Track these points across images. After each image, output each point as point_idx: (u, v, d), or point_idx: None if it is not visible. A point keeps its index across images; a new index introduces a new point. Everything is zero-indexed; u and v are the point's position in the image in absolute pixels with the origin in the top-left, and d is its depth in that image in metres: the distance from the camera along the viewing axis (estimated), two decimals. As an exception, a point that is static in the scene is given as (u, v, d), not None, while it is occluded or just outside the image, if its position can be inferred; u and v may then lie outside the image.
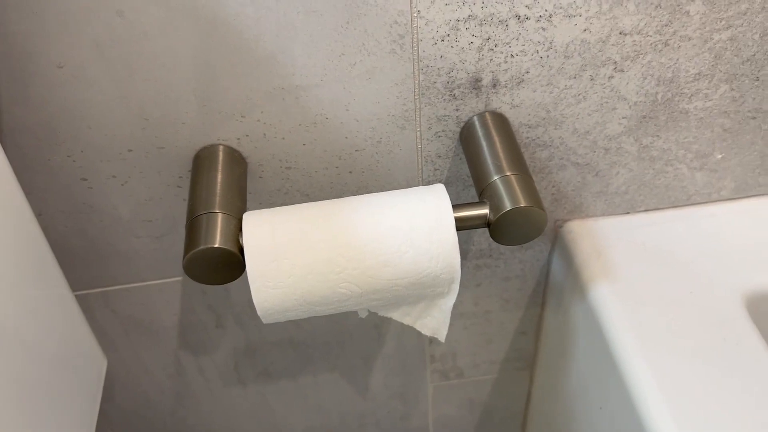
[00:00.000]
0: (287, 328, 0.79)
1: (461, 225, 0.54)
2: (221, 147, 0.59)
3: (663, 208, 0.72)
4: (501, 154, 0.57)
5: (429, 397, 0.94)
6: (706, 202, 0.72)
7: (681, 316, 0.63)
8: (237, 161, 0.60)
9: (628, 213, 0.72)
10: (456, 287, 0.55)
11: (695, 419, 0.55)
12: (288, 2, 0.51)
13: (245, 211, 0.56)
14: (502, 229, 0.54)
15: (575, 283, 0.69)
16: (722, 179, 0.70)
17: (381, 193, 0.55)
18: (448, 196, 0.54)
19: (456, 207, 0.54)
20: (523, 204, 0.53)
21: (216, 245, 0.51)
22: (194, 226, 0.53)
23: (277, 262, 0.51)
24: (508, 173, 0.55)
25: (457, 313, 0.81)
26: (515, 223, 0.54)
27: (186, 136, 0.58)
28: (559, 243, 0.73)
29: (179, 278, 0.71)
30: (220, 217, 0.53)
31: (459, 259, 0.53)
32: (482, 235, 0.73)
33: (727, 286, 0.66)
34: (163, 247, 0.68)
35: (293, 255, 0.51)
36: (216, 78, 0.55)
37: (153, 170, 0.61)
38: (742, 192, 0.72)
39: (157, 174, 0.61)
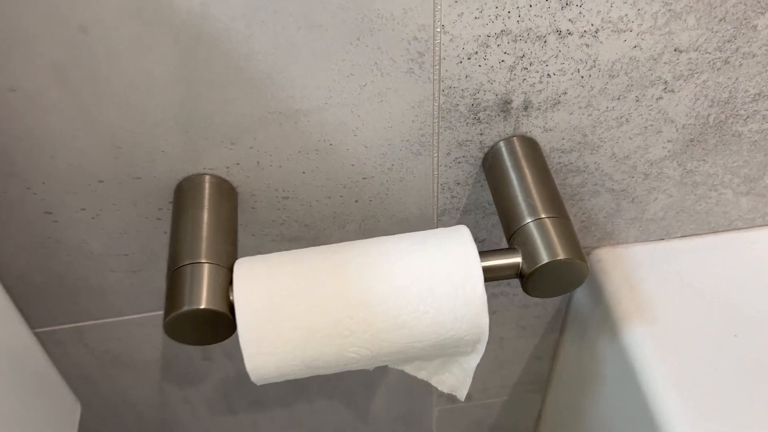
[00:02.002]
0: (282, 359, 0.72)
1: (489, 276, 0.46)
2: (207, 177, 0.51)
3: (701, 234, 0.65)
4: (534, 191, 0.49)
5: (433, 420, 0.87)
6: (748, 227, 0.65)
7: (725, 363, 0.57)
8: (226, 193, 0.51)
9: (662, 239, 0.65)
10: (482, 347, 0.48)
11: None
12: (287, 16, 0.42)
13: (236, 256, 0.48)
14: (537, 283, 0.47)
15: (605, 318, 0.62)
16: (769, 204, 0.63)
17: (395, 237, 0.47)
18: (474, 244, 0.46)
19: (483, 255, 0.46)
20: (561, 256, 0.45)
21: (202, 306, 0.43)
22: (177, 279, 0.45)
23: (274, 325, 0.44)
24: (543, 216, 0.47)
25: (468, 340, 0.74)
26: (552, 276, 0.46)
27: (166, 166, 0.50)
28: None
29: (160, 312, 0.63)
30: (206, 269, 0.45)
31: (487, 319, 0.45)
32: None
33: (775, 327, 0.59)
34: (141, 281, 0.60)
35: (293, 317, 0.44)
36: (200, 102, 0.46)
37: (128, 202, 0.52)
38: (788, 216, 0.65)
39: (132, 206, 0.53)
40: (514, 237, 0.48)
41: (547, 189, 0.49)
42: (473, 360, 0.49)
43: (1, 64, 0.42)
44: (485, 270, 0.46)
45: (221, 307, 0.44)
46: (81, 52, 0.42)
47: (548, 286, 0.47)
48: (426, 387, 0.81)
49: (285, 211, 0.55)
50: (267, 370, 0.45)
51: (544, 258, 0.45)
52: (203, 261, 0.46)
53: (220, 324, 0.45)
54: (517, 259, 0.47)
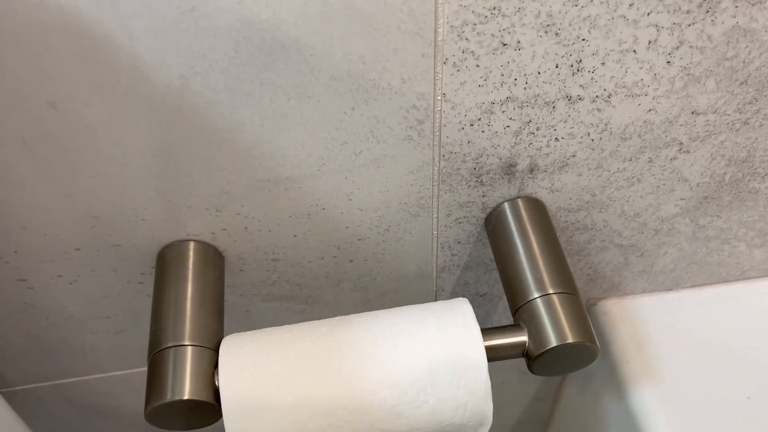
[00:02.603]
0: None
1: (493, 355, 0.43)
2: (192, 243, 0.48)
3: (711, 284, 0.62)
4: (541, 262, 0.46)
5: (431, 457, 0.85)
6: (761, 277, 0.62)
7: (738, 430, 0.54)
8: (211, 261, 0.48)
9: (671, 290, 0.62)
10: (485, 430, 0.45)
11: None
12: (275, 87, 0.39)
13: (221, 334, 0.45)
14: (544, 364, 0.44)
15: (611, 375, 0.59)
16: (784, 254, 0.60)
17: (391, 313, 0.44)
18: (476, 323, 0.43)
19: (487, 333, 0.43)
20: (571, 340, 0.42)
21: (186, 397, 0.40)
22: (158, 364, 0.42)
23: (261, 417, 0.41)
24: (551, 291, 0.44)
25: (467, 386, 0.71)
26: (560, 358, 0.43)
27: (147, 233, 0.47)
28: (592, 323, 0.63)
29: (145, 368, 0.60)
30: (190, 353, 0.42)
31: (491, 406, 0.43)
32: (501, 310, 0.62)
33: (789, 387, 0.56)
34: (124, 341, 0.56)
35: (281, 409, 0.41)
36: (182, 172, 0.43)
37: (107, 268, 0.49)
38: (803, 266, 0.62)
39: (113, 272, 0.49)
40: (520, 312, 0.45)
41: (555, 259, 0.46)
42: (475, 441, 0.47)
43: (-37, 140, 0.39)
44: (489, 349, 0.43)
45: (206, 397, 0.41)
46: (50, 127, 0.39)
47: (556, 367, 0.44)
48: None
49: (275, 272, 0.52)
50: (255, 461, 0.42)
51: (553, 341, 0.42)
52: (187, 344, 0.43)
53: (206, 412, 0.42)
54: (524, 338, 0.44)
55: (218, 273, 0.48)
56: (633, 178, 0.49)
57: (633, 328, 0.60)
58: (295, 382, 0.41)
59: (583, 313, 0.44)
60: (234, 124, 0.40)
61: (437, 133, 0.43)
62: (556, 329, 0.43)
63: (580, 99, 0.43)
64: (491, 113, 0.43)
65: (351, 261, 0.53)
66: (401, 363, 0.41)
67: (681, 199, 0.52)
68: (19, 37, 0.34)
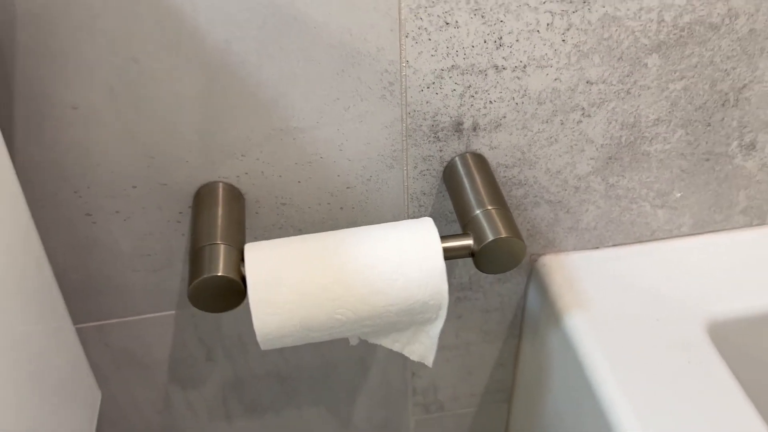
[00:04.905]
0: (274, 362, 0.82)
1: (448, 254, 0.58)
2: (221, 184, 0.63)
3: (629, 243, 0.78)
4: (482, 191, 0.62)
5: (411, 430, 0.96)
6: (667, 238, 0.78)
7: (649, 341, 0.68)
8: (236, 198, 0.63)
9: (597, 248, 0.78)
10: (443, 313, 0.59)
11: (665, 435, 0.60)
12: (290, 52, 0.56)
13: (245, 242, 0.60)
14: (485, 259, 0.59)
15: (550, 312, 0.74)
16: (682, 216, 0.76)
17: (373, 225, 0.60)
18: (435, 228, 0.58)
19: (443, 238, 0.58)
20: (504, 235, 0.58)
21: (219, 273, 0.55)
22: (198, 256, 0.56)
23: (276, 289, 0.55)
24: (489, 207, 0.60)
25: (439, 345, 0.84)
26: (497, 252, 0.58)
27: (187, 173, 0.62)
28: (534, 276, 0.78)
29: (172, 312, 0.74)
30: (222, 248, 0.57)
31: (447, 286, 0.57)
32: (463, 268, 0.77)
33: (689, 314, 0.71)
34: (159, 280, 0.70)
35: (292, 283, 0.55)
36: (219, 119, 0.59)
37: (154, 206, 0.64)
38: (699, 228, 0.78)
39: (158, 209, 0.64)
40: (467, 226, 0.60)
41: (492, 188, 0.62)
42: (437, 327, 0.61)
43: (68, 84, 0.55)
44: (444, 249, 0.58)
45: (235, 276, 0.55)
46: (131, 77, 0.55)
47: (495, 262, 0.59)
48: (402, 395, 0.91)
49: (283, 216, 0.67)
50: (270, 329, 0.56)
51: (489, 237, 0.58)
52: (219, 242, 0.57)
53: (234, 290, 0.56)
54: (469, 241, 0.59)
55: (241, 207, 0.63)
56: (551, 138, 0.66)
57: (566, 273, 0.75)
58: (302, 265, 0.56)
59: (512, 218, 0.60)
60: (259, 80, 0.57)
61: (404, 94, 0.60)
62: (492, 229, 0.58)
63: (504, 68, 0.60)
64: (441, 78, 0.60)
65: (341, 208, 0.68)
66: (379, 252, 0.56)
67: (591, 158, 0.68)
68: (115, 5, 0.51)
